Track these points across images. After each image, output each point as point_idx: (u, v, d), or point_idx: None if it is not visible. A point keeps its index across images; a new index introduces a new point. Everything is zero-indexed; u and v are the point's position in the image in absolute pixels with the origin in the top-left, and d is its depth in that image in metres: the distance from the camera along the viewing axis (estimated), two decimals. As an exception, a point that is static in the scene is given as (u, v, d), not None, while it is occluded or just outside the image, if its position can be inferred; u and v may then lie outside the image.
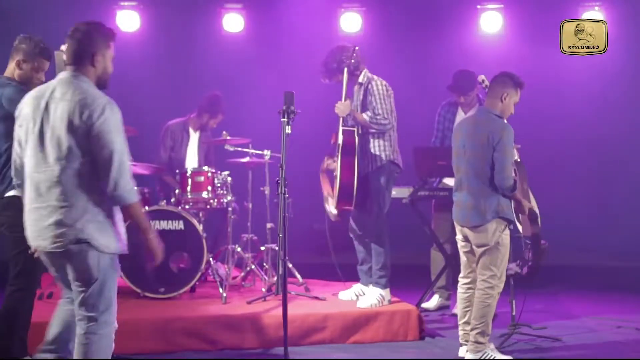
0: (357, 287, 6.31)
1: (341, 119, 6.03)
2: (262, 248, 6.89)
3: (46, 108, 3.70)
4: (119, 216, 3.79)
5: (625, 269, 8.95)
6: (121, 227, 3.81)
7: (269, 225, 6.86)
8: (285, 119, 4.55)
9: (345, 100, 6.00)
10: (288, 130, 4.84)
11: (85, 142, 3.62)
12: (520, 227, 5.43)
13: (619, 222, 9.41)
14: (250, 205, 6.88)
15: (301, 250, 7.19)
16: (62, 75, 3.80)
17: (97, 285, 3.74)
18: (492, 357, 5.08)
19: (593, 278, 8.40)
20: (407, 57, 9.40)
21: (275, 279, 6.31)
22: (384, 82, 6.09)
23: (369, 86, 6.05)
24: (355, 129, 6.02)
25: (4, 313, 4.62)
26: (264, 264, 6.80)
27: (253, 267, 6.79)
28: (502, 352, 5.26)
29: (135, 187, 3.75)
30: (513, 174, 5.02)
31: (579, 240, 9.36)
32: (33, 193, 3.73)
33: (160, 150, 7.41)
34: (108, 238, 3.73)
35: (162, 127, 7.46)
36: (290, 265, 6.58)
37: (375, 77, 6.11)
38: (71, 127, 3.62)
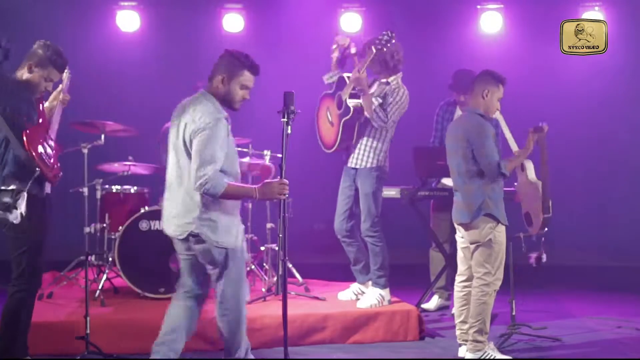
0: (354, 286, 6.31)
1: (350, 88, 5.99)
2: (262, 248, 6.89)
3: (179, 117, 4.37)
4: (233, 216, 4.41)
5: (625, 269, 8.94)
6: (233, 225, 4.40)
7: (269, 225, 6.86)
8: (286, 119, 4.56)
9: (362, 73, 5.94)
10: (289, 130, 4.85)
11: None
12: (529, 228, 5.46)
13: (619, 222, 9.41)
14: (250, 205, 6.88)
15: (301, 250, 7.18)
16: (200, 91, 4.44)
17: (220, 271, 4.38)
18: (492, 357, 5.08)
19: (593, 278, 8.40)
20: (406, 57, 9.32)
21: (275, 279, 6.32)
22: (408, 96, 6.10)
23: (395, 89, 6.04)
24: (359, 101, 6.01)
25: (6, 313, 4.61)
26: (264, 264, 6.80)
27: (253, 267, 6.79)
28: (502, 352, 5.26)
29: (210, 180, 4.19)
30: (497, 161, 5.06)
31: (579, 240, 9.36)
32: (167, 188, 4.46)
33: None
34: (218, 235, 4.30)
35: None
36: (290, 265, 6.59)
37: (404, 87, 6.10)
38: (183, 137, 4.29)
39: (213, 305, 5.94)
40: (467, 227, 5.15)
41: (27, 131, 4.52)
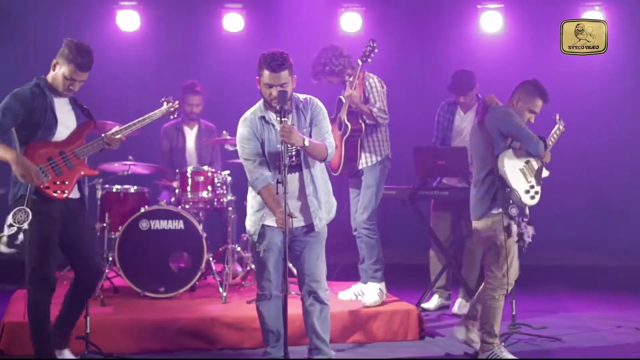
0: (356, 287, 6.30)
1: (346, 106, 6.02)
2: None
3: None
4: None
5: (625, 269, 8.94)
6: (255, 214, 4.79)
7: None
8: (280, 118, 4.57)
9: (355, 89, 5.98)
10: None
11: None
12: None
13: (619, 222, 9.40)
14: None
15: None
16: None
17: None
18: (497, 357, 5.06)
19: (593, 278, 8.40)
20: (407, 57, 9.39)
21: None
22: (378, 78, 6.11)
23: (366, 83, 6.06)
24: (359, 115, 6.02)
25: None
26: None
27: (253, 266, 6.78)
28: (503, 352, 5.27)
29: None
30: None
31: (579, 240, 9.36)
32: None
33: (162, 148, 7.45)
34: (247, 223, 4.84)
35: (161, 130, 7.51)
36: (290, 265, 6.57)
37: (369, 73, 6.11)
38: None
39: (213, 306, 5.96)
40: (480, 220, 5.15)
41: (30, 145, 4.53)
